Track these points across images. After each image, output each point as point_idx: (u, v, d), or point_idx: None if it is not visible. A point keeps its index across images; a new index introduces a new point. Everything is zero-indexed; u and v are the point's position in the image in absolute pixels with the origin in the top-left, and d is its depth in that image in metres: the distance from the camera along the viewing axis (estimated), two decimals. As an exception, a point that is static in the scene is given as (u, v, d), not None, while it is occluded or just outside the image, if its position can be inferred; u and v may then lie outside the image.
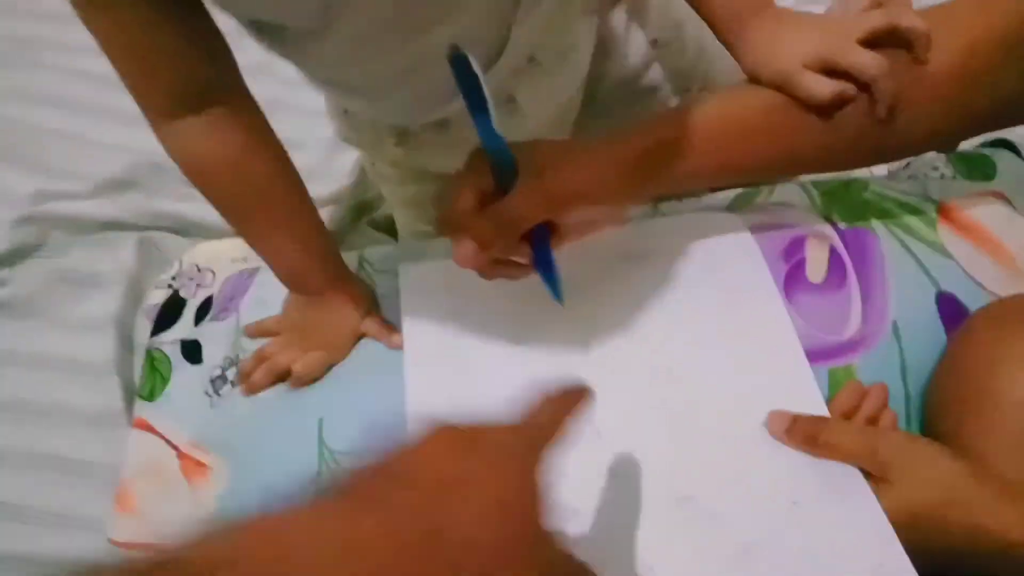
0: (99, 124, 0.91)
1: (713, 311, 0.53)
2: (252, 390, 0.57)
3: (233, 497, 0.53)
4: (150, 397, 0.62)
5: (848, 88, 0.47)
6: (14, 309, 0.77)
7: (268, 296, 0.63)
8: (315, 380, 0.56)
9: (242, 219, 0.53)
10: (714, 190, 0.65)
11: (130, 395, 0.71)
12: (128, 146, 0.89)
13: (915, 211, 0.58)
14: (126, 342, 0.75)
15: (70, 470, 0.68)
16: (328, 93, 0.65)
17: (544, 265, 0.47)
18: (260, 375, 0.56)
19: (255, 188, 0.50)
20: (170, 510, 0.55)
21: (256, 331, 0.61)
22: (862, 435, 0.44)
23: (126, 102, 1.00)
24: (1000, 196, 0.60)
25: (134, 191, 0.84)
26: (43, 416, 0.71)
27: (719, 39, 0.51)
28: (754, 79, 0.50)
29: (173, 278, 0.72)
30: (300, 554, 0.24)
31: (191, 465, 0.56)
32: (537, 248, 0.46)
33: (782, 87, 0.48)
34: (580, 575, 0.32)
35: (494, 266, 0.47)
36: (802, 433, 0.45)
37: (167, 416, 0.60)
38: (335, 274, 0.57)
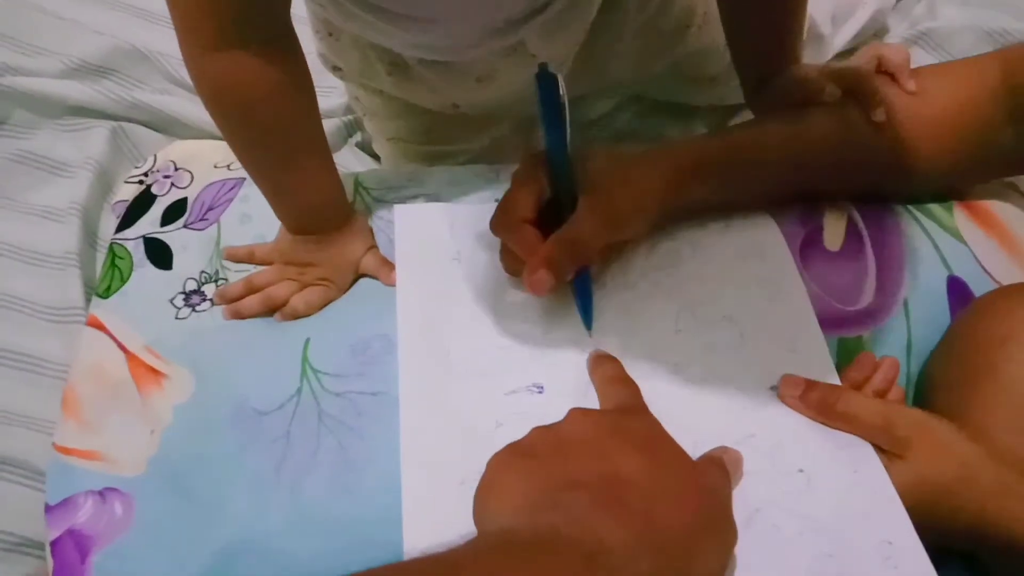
0: (82, 5, 0.85)
1: (726, 274, 0.51)
2: (237, 316, 0.54)
3: (197, 409, 0.50)
4: (106, 294, 0.58)
5: (831, 88, 0.54)
6: (-33, 187, 0.72)
7: (253, 211, 0.59)
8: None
9: (264, 156, 0.52)
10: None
11: (90, 292, 0.67)
12: (109, 30, 0.83)
13: (934, 195, 0.57)
14: (90, 236, 0.71)
15: (21, 365, 0.64)
16: (320, 13, 0.62)
17: (581, 287, 0.47)
18: (253, 304, 0.54)
19: (286, 126, 0.50)
20: (115, 418, 0.52)
21: (246, 257, 0.57)
22: (881, 408, 0.43)
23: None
24: (1016, 189, 0.60)
25: (111, 78, 0.79)
26: (-1, 306, 0.66)
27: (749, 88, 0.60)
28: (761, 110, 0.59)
29: (146, 174, 0.67)
30: None
31: (143, 371, 0.53)
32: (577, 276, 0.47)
33: (781, 96, 0.56)
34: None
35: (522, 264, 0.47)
36: (817, 400, 0.43)
37: (121, 317, 0.56)
38: (343, 212, 0.56)
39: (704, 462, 0.39)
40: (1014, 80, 0.51)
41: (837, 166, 0.53)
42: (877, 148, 0.53)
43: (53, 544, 0.48)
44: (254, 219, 0.59)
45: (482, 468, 0.36)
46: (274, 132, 0.50)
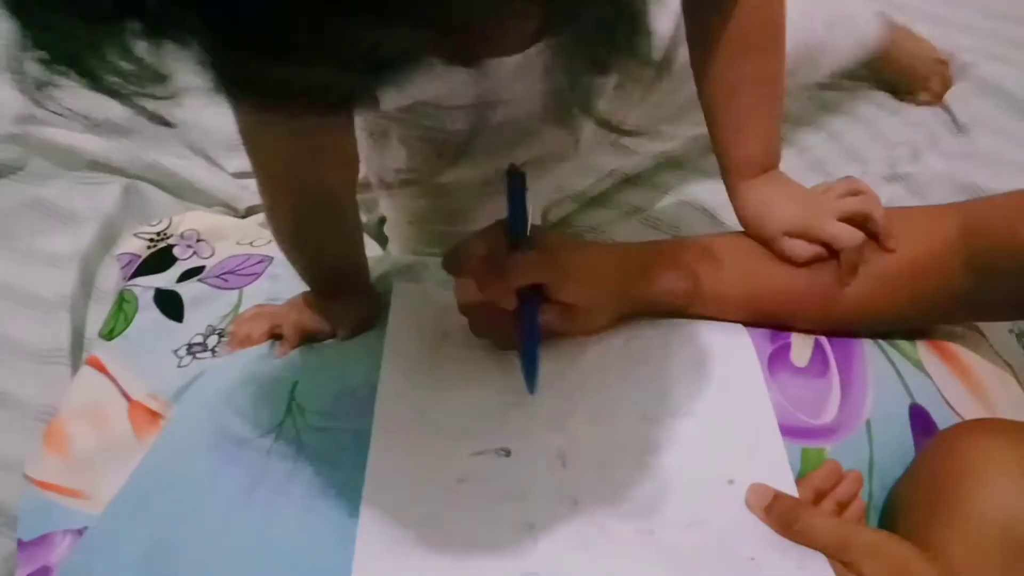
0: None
1: (694, 372, 0.53)
2: (248, 342, 0.57)
3: (176, 432, 0.53)
4: (109, 337, 0.59)
5: (822, 252, 0.55)
6: (-23, 226, 0.74)
7: (281, 294, 0.63)
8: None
9: (309, 263, 0.59)
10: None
11: (78, 338, 0.68)
12: (134, 93, 0.87)
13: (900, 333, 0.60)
14: (86, 284, 0.72)
15: (-4, 402, 0.64)
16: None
17: (527, 345, 0.49)
18: (289, 331, 0.57)
19: (339, 251, 0.59)
20: (104, 458, 0.53)
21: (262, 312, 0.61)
22: (838, 529, 0.44)
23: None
24: (977, 329, 0.63)
25: (131, 138, 0.82)
26: (-22, 340, 0.67)
27: (722, 177, 0.60)
28: (742, 223, 0.59)
29: (159, 234, 0.71)
30: None
31: (143, 415, 0.54)
32: (524, 323, 0.49)
33: (765, 245, 0.56)
34: None
35: (486, 316, 0.51)
36: (778, 514, 0.45)
37: (124, 362, 0.58)
38: (363, 279, 0.62)
39: None
40: (972, 232, 0.52)
41: (796, 304, 0.56)
42: (837, 300, 0.55)
43: (23, 581, 0.47)
44: (279, 301, 0.62)
45: (439, 512, 0.39)
46: (315, 254, 0.58)
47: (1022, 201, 0.51)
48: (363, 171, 0.85)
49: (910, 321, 0.59)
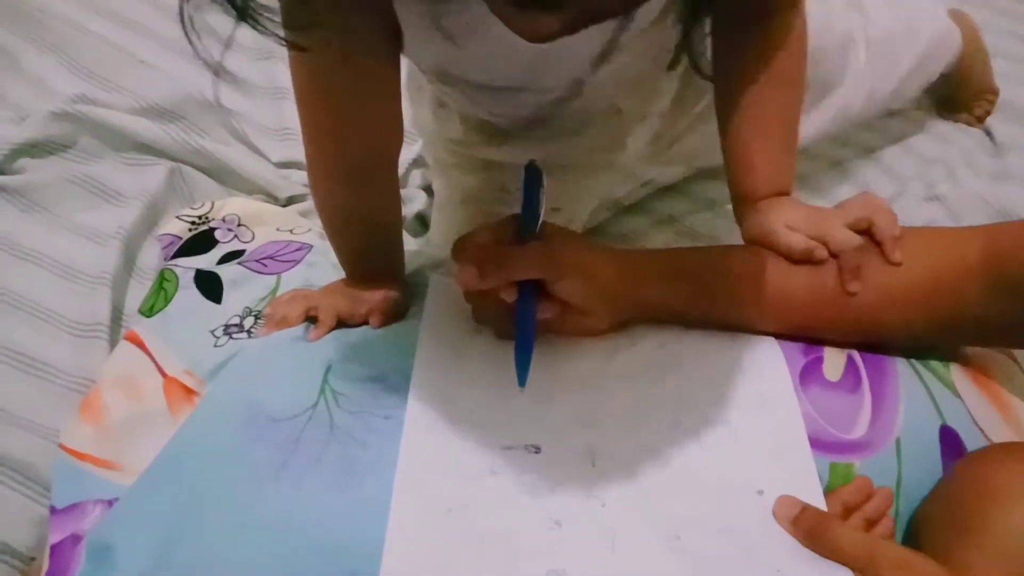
0: (158, 50, 0.92)
1: (726, 382, 0.53)
2: (284, 324, 0.58)
3: (211, 407, 0.53)
4: (149, 313, 0.61)
5: (819, 248, 0.54)
6: (24, 198, 0.76)
7: (316, 280, 0.64)
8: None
9: (346, 236, 0.61)
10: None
11: (118, 314, 0.70)
12: (181, 78, 0.89)
13: (931, 350, 0.60)
14: (128, 262, 0.74)
15: (32, 369, 0.65)
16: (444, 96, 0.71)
17: (521, 338, 0.49)
18: (324, 315, 0.58)
19: (372, 224, 0.61)
20: (138, 431, 0.54)
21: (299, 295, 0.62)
22: (866, 543, 0.43)
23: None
24: (1010, 355, 0.62)
25: (178, 123, 0.85)
26: (19, 309, 0.69)
27: (733, 203, 0.60)
28: (745, 238, 0.58)
29: (201, 217, 0.72)
30: None
31: (178, 391, 0.55)
32: (520, 316, 0.50)
33: (764, 240, 0.56)
34: None
35: (486, 304, 0.52)
36: (806, 526, 0.45)
37: (163, 338, 0.59)
38: (398, 271, 0.64)
39: None
40: (997, 256, 0.52)
41: (803, 314, 0.55)
42: (845, 310, 0.54)
43: (54, 547, 0.48)
44: (315, 287, 0.63)
45: (469, 503, 0.39)
46: (364, 233, 0.60)
47: None
48: (417, 150, 0.88)
49: (929, 340, 0.58)
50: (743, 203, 0.59)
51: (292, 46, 0.47)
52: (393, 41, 0.53)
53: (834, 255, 0.54)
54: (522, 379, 0.49)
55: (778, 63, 0.57)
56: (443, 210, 0.81)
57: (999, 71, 1.03)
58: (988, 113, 1.02)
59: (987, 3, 1.20)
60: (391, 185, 0.61)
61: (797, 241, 0.54)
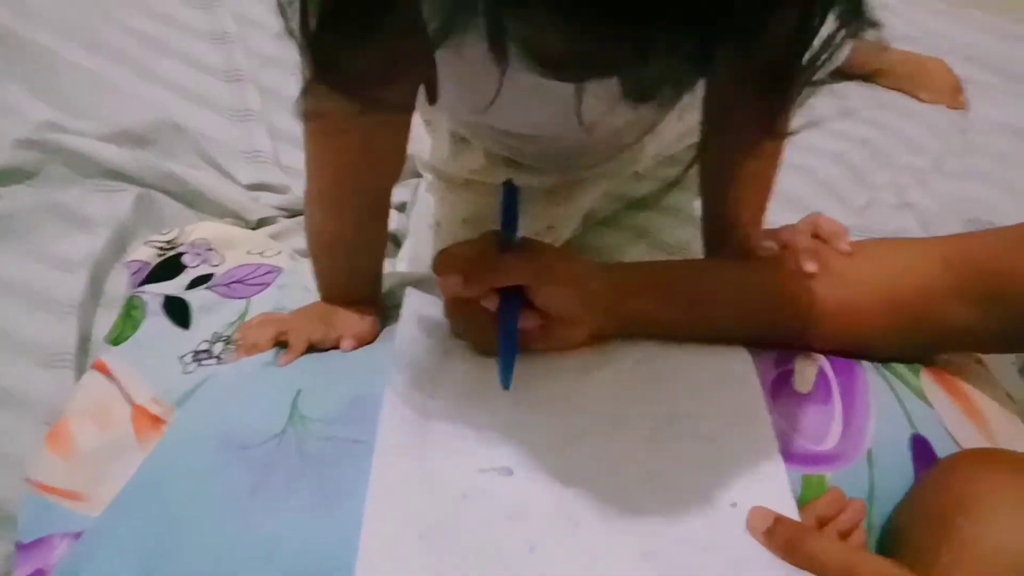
0: (132, 76, 0.91)
1: (699, 395, 0.53)
2: (255, 349, 0.58)
3: (180, 434, 0.53)
4: (116, 342, 0.60)
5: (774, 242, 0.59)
6: (-9, 228, 0.75)
7: (287, 303, 0.64)
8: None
9: (331, 263, 0.62)
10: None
11: (85, 342, 0.69)
12: (154, 103, 0.89)
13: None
14: (96, 290, 0.73)
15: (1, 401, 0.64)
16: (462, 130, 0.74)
17: (505, 340, 0.50)
18: (294, 339, 0.58)
19: (361, 259, 0.62)
20: (105, 461, 0.53)
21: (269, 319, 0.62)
22: (843, 554, 0.43)
23: (165, 65, 1.02)
24: (979, 361, 0.63)
25: (147, 148, 0.84)
26: (-13, 339, 0.68)
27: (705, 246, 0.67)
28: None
29: (169, 243, 0.71)
30: None
31: (146, 419, 0.54)
32: (503, 321, 0.50)
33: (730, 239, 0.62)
34: None
35: (467, 314, 0.53)
36: (783, 539, 0.44)
37: (130, 365, 0.58)
38: (376, 293, 0.64)
39: None
40: (965, 265, 0.53)
41: (771, 315, 0.57)
42: (807, 309, 0.56)
43: (20, 582, 0.48)
44: (286, 311, 0.63)
45: (442, 529, 0.38)
46: (345, 248, 0.61)
47: (1017, 235, 0.52)
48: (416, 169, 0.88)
49: (903, 350, 0.59)
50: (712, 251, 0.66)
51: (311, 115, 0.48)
52: (415, 90, 0.53)
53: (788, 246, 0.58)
54: (506, 380, 0.50)
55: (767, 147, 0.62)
56: (441, 229, 0.81)
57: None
58: (954, 88, 1.09)
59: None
60: (384, 215, 0.62)
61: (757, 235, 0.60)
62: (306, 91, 0.44)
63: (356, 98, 0.41)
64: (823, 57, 0.40)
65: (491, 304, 0.50)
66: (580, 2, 0.29)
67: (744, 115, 0.59)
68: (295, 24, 0.37)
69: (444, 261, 0.51)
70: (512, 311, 0.50)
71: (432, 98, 0.53)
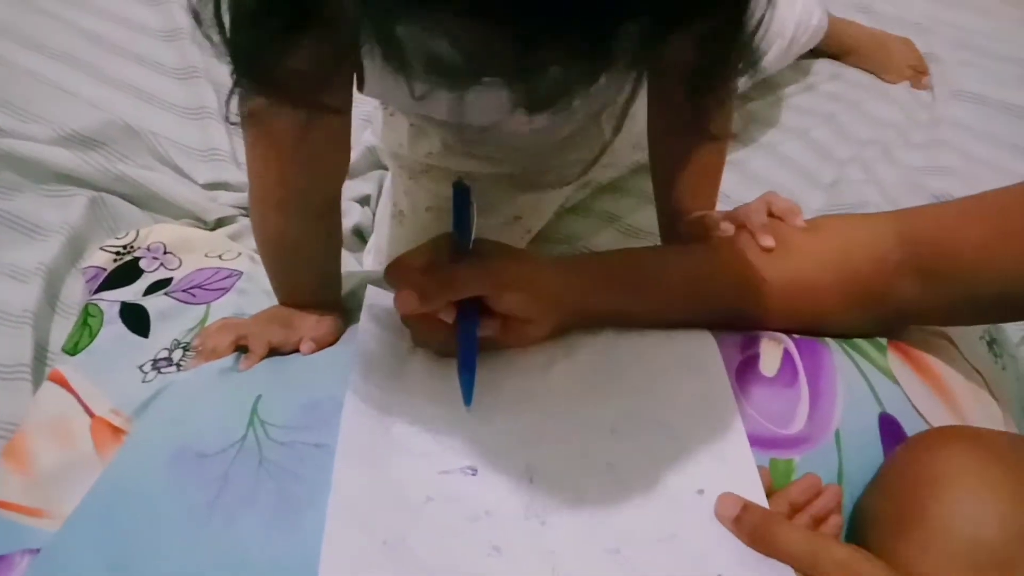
0: (81, 78, 0.89)
1: (663, 382, 0.53)
2: (214, 355, 0.56)
3: (136, 448, 0.52)
4: (73, 351, 0.58)
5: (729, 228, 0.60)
6: (-60, 239, 0.73)
7: (248, 308, 0.62)
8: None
9: (290, 268, 0.61)
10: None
11: (41, 353, 0.68)
12: (104, 105, 0.86)
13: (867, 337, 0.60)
14: (51, 298, 0.71)
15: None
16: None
17: (464, 357, 0.49)
18: (255, 343, 0.56)
19: (318, 262, 0.61)
20: (66, 476, 0.52)
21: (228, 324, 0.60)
22: (809, 544, 0.43)
23: (114, 65, 0.99)
24: (946, 337, 0.63)
25: (99, 150, 0.82)
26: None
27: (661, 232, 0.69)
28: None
29: (126, 247, 0.70)
30: None
31: (106, 431, 0.53)
32: (462, 338, 0.50)
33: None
34: None
35: (426, 326, 0.52)
36: (749, 526, 0.44)
37: (87, 376, 0.57)
38: (335, 294, 0.63)
39: None
40: (915, 240, 0.53)
41: (729, 296, 0.57)
42: (764, 287, 0.56)
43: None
44: (246, 316, 0.62)
45: (406, 533, 0.38)
46: (305, 262, 0.60)
47: (964, 208, 0.53)
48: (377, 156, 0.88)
49: (862, 325, 0.59)
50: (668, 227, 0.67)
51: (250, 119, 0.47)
52: (350, 88, 0.52)
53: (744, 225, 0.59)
54: (467, 399, 0.49)
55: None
56: (407, 218, 0.80)
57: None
58: (918, 67, 1.10)
59: None
60: (333, 214, 0.60)
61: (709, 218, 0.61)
62: (236, 93, 0.42)
63: (282, 100, 0.39)
64: (740, 66, 0.41)
65: (448, 317, 0.49)
66: (466, 9, 0.28)
67: (680, 116, 0.61)
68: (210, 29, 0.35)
69: (396, 274, 0.50)
70: (470, 324, 0.50)
71: (359, 85, 0.52)
